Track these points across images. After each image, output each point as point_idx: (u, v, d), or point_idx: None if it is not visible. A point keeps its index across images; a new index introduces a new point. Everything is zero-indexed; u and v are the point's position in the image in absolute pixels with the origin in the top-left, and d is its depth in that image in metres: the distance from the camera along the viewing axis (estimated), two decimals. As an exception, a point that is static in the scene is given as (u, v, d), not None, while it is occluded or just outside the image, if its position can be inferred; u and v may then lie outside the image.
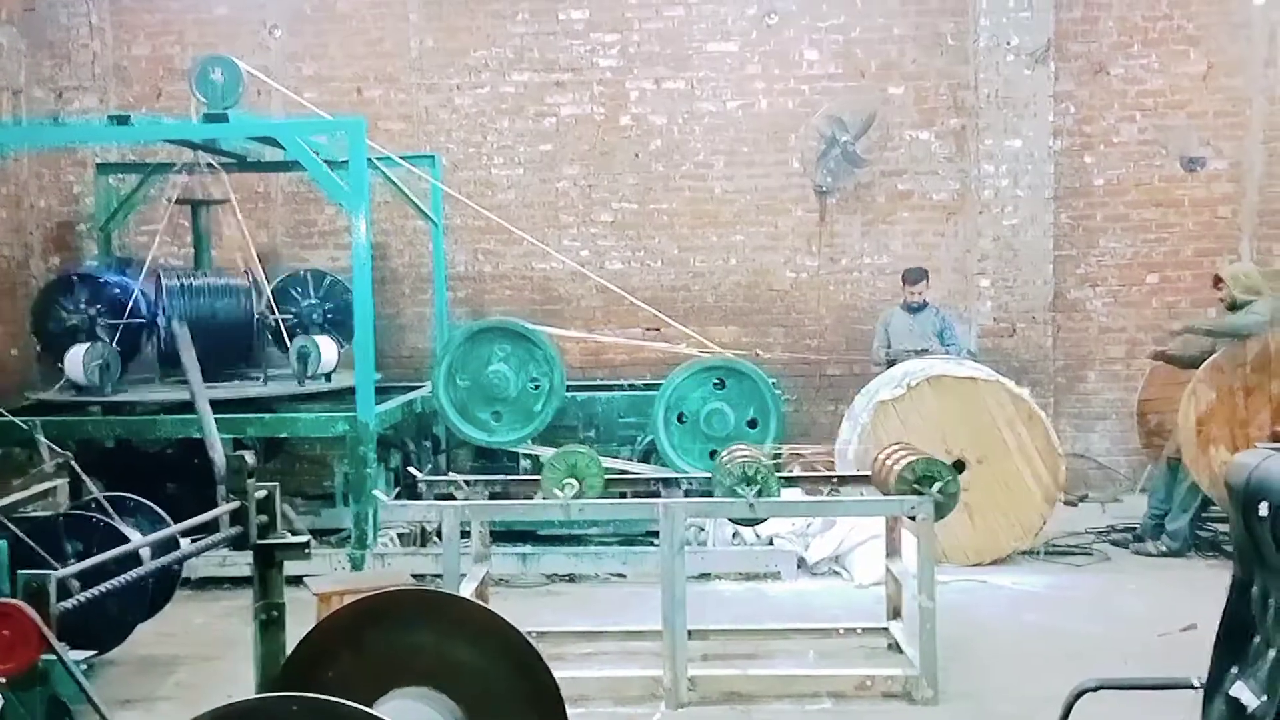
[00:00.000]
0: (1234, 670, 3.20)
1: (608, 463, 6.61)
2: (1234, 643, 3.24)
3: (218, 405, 7.52)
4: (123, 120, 8.14)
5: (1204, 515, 8.55)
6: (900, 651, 6.05)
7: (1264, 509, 2.96)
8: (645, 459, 8.73)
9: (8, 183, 10.31)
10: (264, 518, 3.50)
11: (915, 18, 10.32)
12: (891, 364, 9.13)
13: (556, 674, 3.27)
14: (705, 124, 10.50)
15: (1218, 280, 8.43)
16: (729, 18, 10.44)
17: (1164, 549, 8.26)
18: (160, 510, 6.08)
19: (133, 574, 2.98)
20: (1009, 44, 9.93)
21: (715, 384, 8.39)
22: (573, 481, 5.94)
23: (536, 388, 8.52)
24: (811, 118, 10.32)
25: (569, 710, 3.28)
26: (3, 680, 2.39)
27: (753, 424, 8.26)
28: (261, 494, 3.49)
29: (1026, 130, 9.99)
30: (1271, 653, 3.03)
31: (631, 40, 10.49)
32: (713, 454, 8.15)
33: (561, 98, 10.55)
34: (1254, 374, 7.80)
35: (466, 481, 6.59)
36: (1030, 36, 9.91)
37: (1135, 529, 8.63)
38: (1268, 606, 3.07)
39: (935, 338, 9.33)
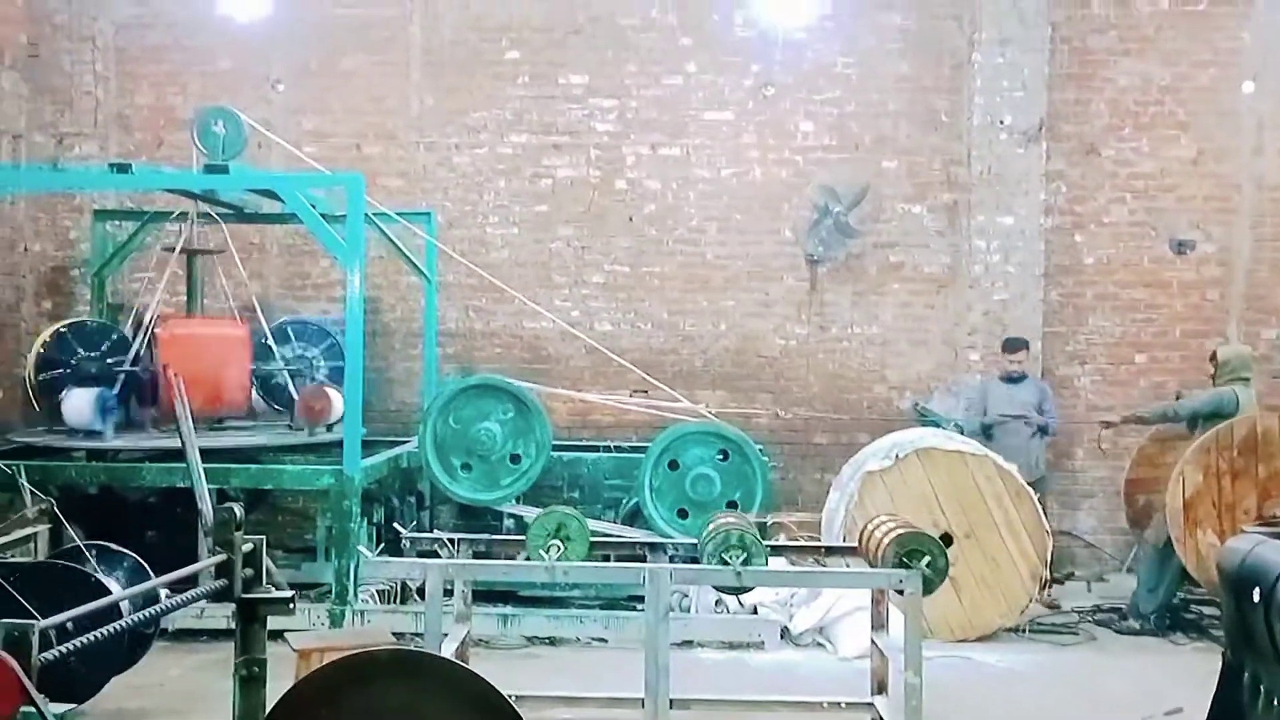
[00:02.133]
0: (1224, 758, 3.19)
1: (592, 525, 6.56)
2: (1224, 730, 3.23)
3: (203, 454, 7.47)
4: (123, 168, 8.16)
5: (1188, 598, 8.54)
6: (884, 727, 5.96)
7: (1256, 594, 2.96)
8: (630, 522, 8.68)
9: (3, 226, 10.33)
10: (249, 571, 3.45)
11: (910, 94, 10.48)
12: (988, 431, 9.21)
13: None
14: (699, 190, 10.59)
15: (1213, 356, 8.63)
16: (726, 88, 10.58)
17: (1143, 627, 8.25)
18: (141, 560, 6.01)
19: (113, 627, 2.93)
20: (1002, 123, 10.08)
21: (719, 454, 8.35)
22: (558, 543, 5.90)
23: (515, 463, 8.49)
24: (805, 188, 10.44)
25: (550, 778, 3.22)
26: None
27: (732, 504, 8.18)
28: (248, 547, 3.45)
29: (1018, 207, 10.11)
30: (1262, 741, 3.02)
31: (629, 106, 10.62)
32: (681, 512, 8.21)
33: (558, 160, 10.64)
34: (1240, 457, 7.84)
35: (450, 540, 6.54)
36: (1023, 116, 10.06)
37: (1121, 608, 8.61)
38: (1259, 693, 3.06)
39: (1034, 410, 9.32)
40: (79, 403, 8.27)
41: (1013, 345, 9.51)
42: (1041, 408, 9.35)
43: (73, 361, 8.77)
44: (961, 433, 9.24)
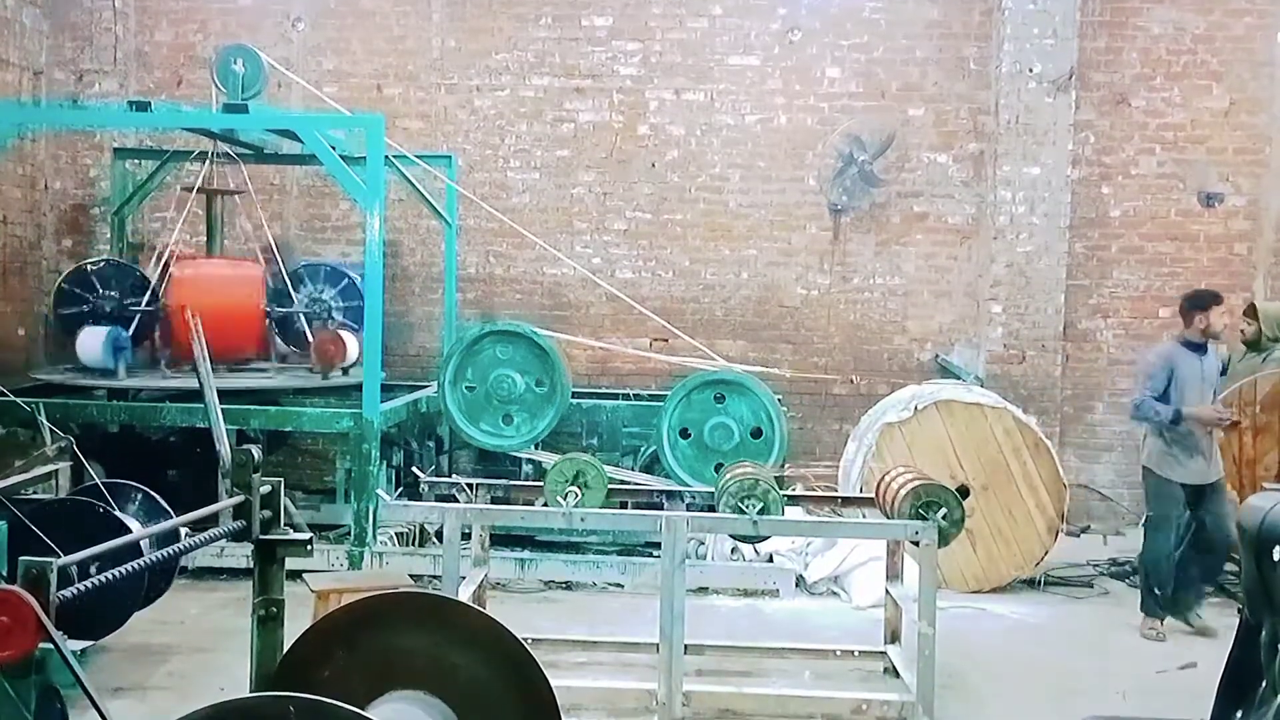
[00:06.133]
0: (1238, 716, 3.17)
1: (610, 472, 6.58)
2: (1239, 688, 3.21)
3: (222, 395, 7.51)
4: (143, 106, 8.14)
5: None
6: (897, 676, 6.00)
7: (1277, 553, 2.93)
8: (648, 470, 8.70)
9: (24, 163, 10.32)
10: (267, 513, 3.46)
11: (938, 40, 10.31)
12: (1176, 422, 6.97)
13: (550, 683, 3.25)
14: (723, 137, 10.49)
15: (1250, 310, 8.46)
16: (752, 32, 10.43)
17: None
18: (160, 499, 6.06)
19: (133, 565, 2.94)
20: (1031, 71, 9.91)
21: (753, 430, 8.27)
22: (575, 489, 5.93)
23: (506, 423, 8.42)
24: (830, 135, 10.31)
25: (563, 720, 3.25)
26: (-3, 668, 2.36)
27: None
28: (266, 489, 3.46)
29: (1045, 158, 9.97)
30: (1278, 700, 3.00)
31: (653, 50, 10.48)
32: (684, 432, 8.21)
33: (581, 104, 10.54)
34: (1263, 414, 7.77)
35: (469, 484, 6.58)
36: (1053, 64, 9.89)
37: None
38: (1276, 652, 3.03)
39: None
40: (92, 341, 8.36)
41: (1202, 302, 7.22)
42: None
43: (91, 300, 8.82)
44: (981, 385, 9.17)
